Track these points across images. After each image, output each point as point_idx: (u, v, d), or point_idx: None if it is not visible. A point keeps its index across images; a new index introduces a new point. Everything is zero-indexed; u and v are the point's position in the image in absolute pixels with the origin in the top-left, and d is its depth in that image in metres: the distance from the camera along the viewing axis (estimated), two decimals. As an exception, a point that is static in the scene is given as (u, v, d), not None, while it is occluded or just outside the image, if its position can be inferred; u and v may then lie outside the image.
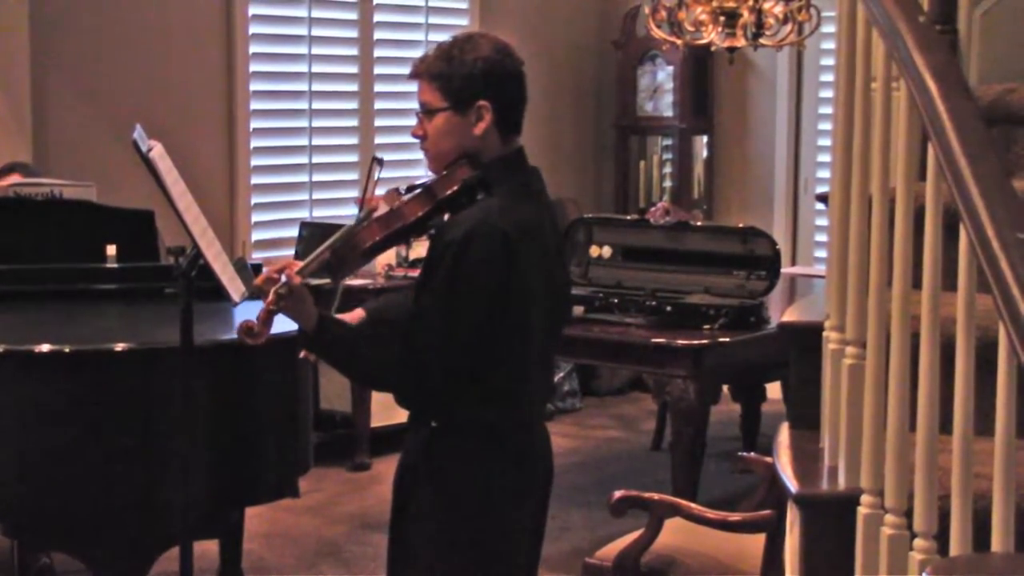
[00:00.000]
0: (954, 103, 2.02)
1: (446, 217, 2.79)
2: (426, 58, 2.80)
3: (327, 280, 2.92)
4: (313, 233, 6.08)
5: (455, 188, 2.74)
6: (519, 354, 2.77)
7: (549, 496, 2.97)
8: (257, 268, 3.38)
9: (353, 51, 6.84)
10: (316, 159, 6.68)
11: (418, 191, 2.78)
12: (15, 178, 4.55)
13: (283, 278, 2.66)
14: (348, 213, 6.06)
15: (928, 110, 2.05)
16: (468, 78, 2.74)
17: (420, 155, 2.91)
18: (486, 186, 2.76)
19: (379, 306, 3.03)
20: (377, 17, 6.89)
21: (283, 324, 3.15)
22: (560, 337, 3.01)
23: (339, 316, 2.92)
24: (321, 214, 6.58)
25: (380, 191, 2.83)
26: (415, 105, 2.82)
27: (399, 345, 2.71)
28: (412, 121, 2.84)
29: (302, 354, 3.04)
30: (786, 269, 6.12)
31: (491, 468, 2.79)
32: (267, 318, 2.67)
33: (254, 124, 6.41)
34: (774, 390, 6.23)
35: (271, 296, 2.65)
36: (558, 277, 2.93)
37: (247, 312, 3.42)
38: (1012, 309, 1.72)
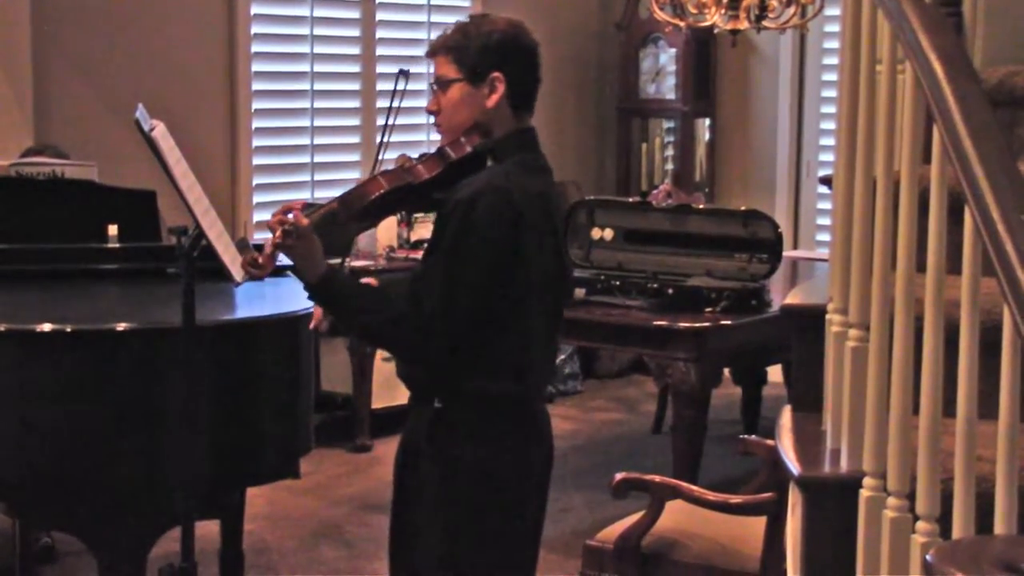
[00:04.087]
0: (959, 85, 2.01)
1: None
2: (443, 35, 2.84)
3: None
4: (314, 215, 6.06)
5: (467, 151, 2.77)
6: (522, 323, 2.78)
7: (550, 475, 2.97)
8: (259, 248, 3.36)
9: (356, 32, 6.82)
10: (318, 140, 6.68)
11: (430, 153, 2.81)
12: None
13: (291, 217, 2.68)
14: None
15: (933, 92, 2.05)
16: (483, 49, 2.77)
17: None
18: (496, 156, 2.79)
19: (385, 282, 3.03)
20: (380, -2, 6.89)
21: (284, 306, 3.15)
22: (561, 319, 3.01)
23: None
24: (323, 195, 6.56)
25: (391, 154, 2.83)
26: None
27: (405, 303, 2.73)
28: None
29: (312, 324, 3.03)
30: (788, 252, 6.12)
31: (493, 447, 2.79)
32: (272, 252, 2.71)
33: (256, 105, 6.40)
34: (775, 373, 6.23)
35: (278, 232, 2.67)
36: (563, 257, 2.93)
37: (249, 292, 3.42)
38: (1016, 292, 1.72)
